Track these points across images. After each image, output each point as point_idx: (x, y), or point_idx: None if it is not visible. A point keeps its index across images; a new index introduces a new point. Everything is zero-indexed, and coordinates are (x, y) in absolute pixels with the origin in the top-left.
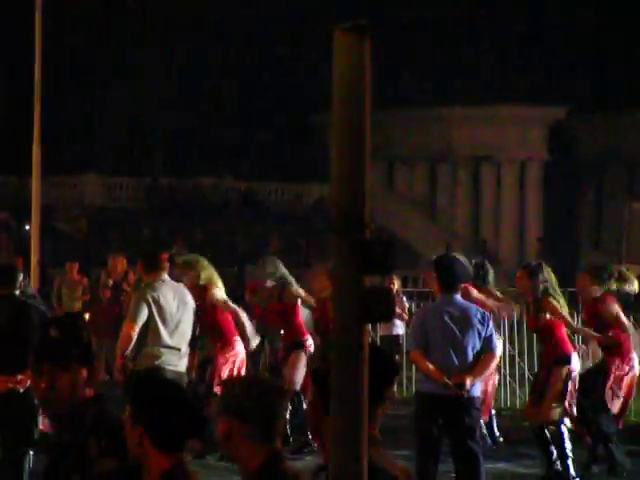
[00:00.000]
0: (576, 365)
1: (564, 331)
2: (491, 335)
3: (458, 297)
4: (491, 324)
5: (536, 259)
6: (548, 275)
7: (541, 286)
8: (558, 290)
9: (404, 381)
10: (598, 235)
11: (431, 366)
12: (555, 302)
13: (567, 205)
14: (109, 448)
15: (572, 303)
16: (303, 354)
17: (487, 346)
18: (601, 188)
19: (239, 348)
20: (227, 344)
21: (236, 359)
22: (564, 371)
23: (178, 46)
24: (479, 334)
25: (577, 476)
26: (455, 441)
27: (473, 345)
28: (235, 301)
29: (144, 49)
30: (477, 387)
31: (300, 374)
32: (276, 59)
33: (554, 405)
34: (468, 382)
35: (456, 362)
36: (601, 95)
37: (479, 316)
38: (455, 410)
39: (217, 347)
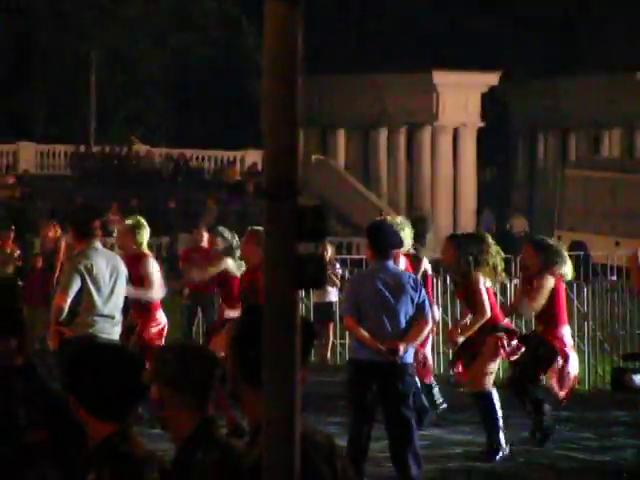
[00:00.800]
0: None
1: (493, 299)
2: (424, 301)
3: (391, 263)
4: (424, 290)
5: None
6: (485, 245)
7: (469, 258)
8: (496, 259)
9: (337, 348)
10: (531, 202)
11: (364, 333)
12: (480, 275)
13: (501, 171)
14: (38, 418)
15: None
16: None
17: (420, 312)
18: (534, 154)
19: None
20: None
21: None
22: (494, 340)
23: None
24: (412, 300)
25: (508, 443)
26: (388, 407)
27: (406, 311)
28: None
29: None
30: (410, 353)
31: None
32: (211, 27)
33: (485, 373)
34: (401, 348)
35: (389, 328)
36: (534, 61)
37: (412, 282)
38: (388, 376)
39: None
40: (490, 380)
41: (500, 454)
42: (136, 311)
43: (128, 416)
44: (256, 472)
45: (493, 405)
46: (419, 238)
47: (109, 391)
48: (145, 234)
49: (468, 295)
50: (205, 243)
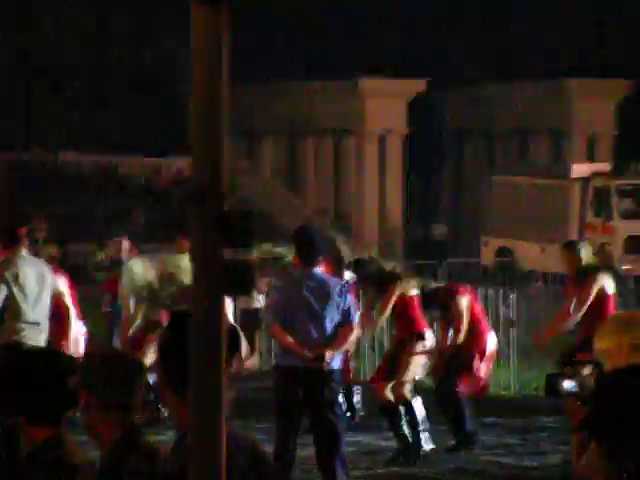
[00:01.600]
0: (430, 341)
1: (417, 310)
2: (349, 307)
3: (317, 270)
4: (349, 297)
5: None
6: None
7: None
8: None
9: (264, 354)
10: (459, 208)
11: (290, 339)
12: (394, 287)
13: (428, 178)
14: None
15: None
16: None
17: (346, 318)
18: (461, 160)
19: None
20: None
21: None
22: (418, 347)
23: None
24: (338, 306)
25: (430, 446)
26: (315, 414)
27: (332, 317)
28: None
29: None
30: (337, 360)
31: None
32: (135, 31)
33: (406, 381)
34: (327, 355)
35: (315, 335)
36: (461, 68)
37: (338, 289)
38: (315, 383)
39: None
40: (410, 388)
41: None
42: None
43: (61, 421)
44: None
45: (413, 413)
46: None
47: (41, 396)
48: None
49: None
50: (125, 252)
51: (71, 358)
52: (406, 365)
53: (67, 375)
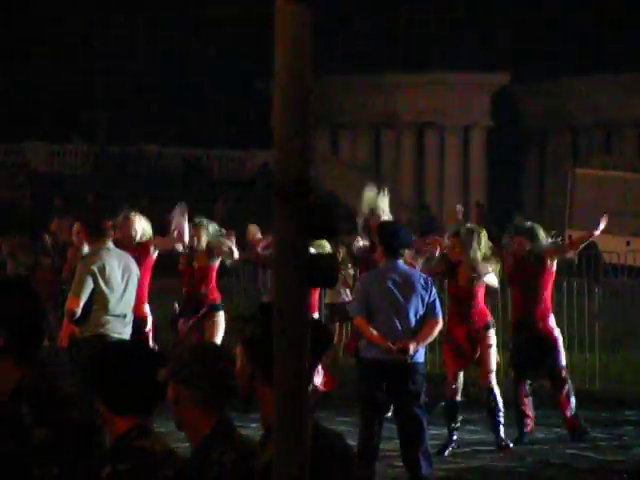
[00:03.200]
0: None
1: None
2: (434, 300)
3: (401, 262)
4: (434, 289)
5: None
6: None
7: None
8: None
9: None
10: (542, 201)
11: (374, 332)
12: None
13: (511, 171)
14: (41, 416)
15: None
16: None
17: (431, 311)
18: (544, 154)
19: None
20: None
21: None
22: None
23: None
24: (422, 299)
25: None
26: (399, 406)
27: (416, 310)
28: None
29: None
30: (421, 352)
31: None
32: (219, 22)
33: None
34: (411, 347)
35: (399, 328)
36: (544, 61)
37: (422, 281)
38: (399, 375)
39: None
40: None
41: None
42: None
43: (149, 411)
44: (269, 472)
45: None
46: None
47: (126, 386)
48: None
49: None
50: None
51: (157, 350)
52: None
53: (153, 366)
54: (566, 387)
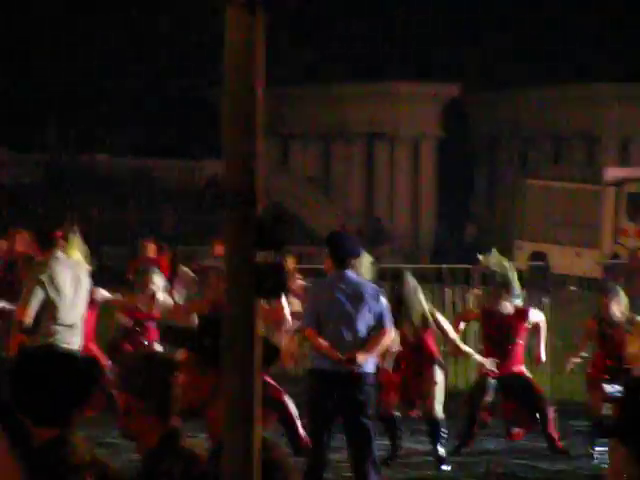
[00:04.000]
0: None
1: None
2: (383, 311)
3: (350, 272)
4: (383, 300)
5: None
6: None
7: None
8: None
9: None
10: (492, 212)
11: (324, 342)
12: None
13: (462, 182)
14: None
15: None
16: None
17: (380, 322)
18: (495, 165)
19: None
20: None
21: None
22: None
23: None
24: (371, 310)
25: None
26: (348, 416)
27: (366, 321)
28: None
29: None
30: (370, 363)
31: None
32: (169, 33)
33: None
34: (360, 358)
35: (348, 338)
36: (495, 72)
37: (371, 292)
38: (348, 386)
39: None
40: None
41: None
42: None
43: (68, 422)
44: None
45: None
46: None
47: (44, 397)
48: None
49: None
50: (151, 253)
51: (87, 358)
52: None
53: (77, 375)
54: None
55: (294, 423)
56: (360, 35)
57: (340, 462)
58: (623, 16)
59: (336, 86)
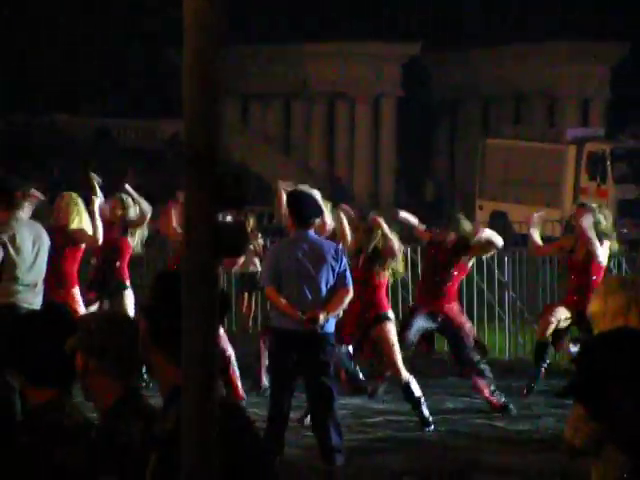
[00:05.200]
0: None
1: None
2: (345, 270)
3: (311, 232)
4: (345, 259)
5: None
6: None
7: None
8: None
9: (259, 317)
10: (453, 171)
11: (285, 302)
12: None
13: (422, 142)
14: None
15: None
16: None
17: (341, 282)
18: (455, 124)
19: None
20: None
21: None
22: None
23: None
24: (333, 270)
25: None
26: (309, 376)
27: (327, 281)
28: None
29: None
30: (331, 323)
31: None
32: None
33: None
34: (321, 317)
35: (310, 298)
36: (455, 31)
37: (332, 252)
38: (309, 346)
39: None
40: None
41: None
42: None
43: (66, 383)
44: (173, 437)
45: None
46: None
47: (40, 357)
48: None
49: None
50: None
51: (74, 318)
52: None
53: (66, 338)
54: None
55: (233, 382)
56: None
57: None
58: None
59: (296, 45)
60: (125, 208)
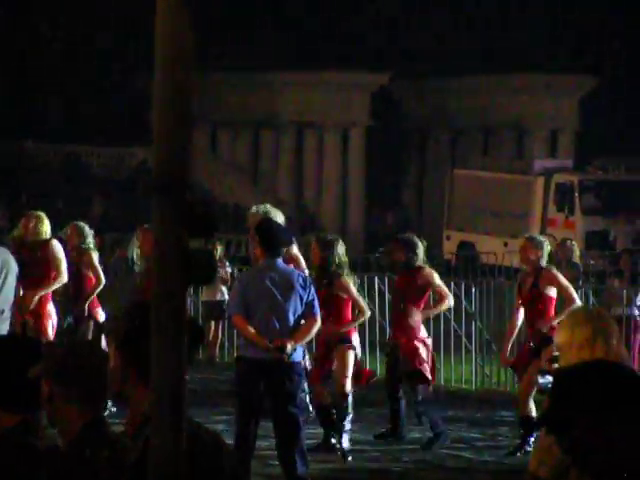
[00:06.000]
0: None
1: (349, 311)
2: (313, 299)
3: (280, 261)
4: (312, 289)
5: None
6: (341, 249)
7: (336, 260)
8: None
9: (226, 346)
10: (421, 201)
11: (252, 330)
12: (347, 280)
13: (391, 171)
14: None
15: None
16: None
17: (309, 311)
18: (424, 154)
19: None
20: None
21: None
22: (347, 351)
23: None
24: (301, 298)
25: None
26: (276, 405)
27: (295, 309)
28: None
29: None
30: (299, 352)
31: None
32: (101, 18)
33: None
34: (289, 346)
35: (277, 326)
36: (426, 61)
37: (301, 281)
38: (276, 374)
39: None
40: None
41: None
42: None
43: (34, 407)
44: (140, 465)
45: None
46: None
47: (8, 383)
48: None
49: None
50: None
51: (38, 345)
52: (341, 368)
53: (32, 363)
54: None
55: None
56: (290, 23)
57: (267, 450)
58: (557, 7)
59: (266, 74)
60: (82, 236)
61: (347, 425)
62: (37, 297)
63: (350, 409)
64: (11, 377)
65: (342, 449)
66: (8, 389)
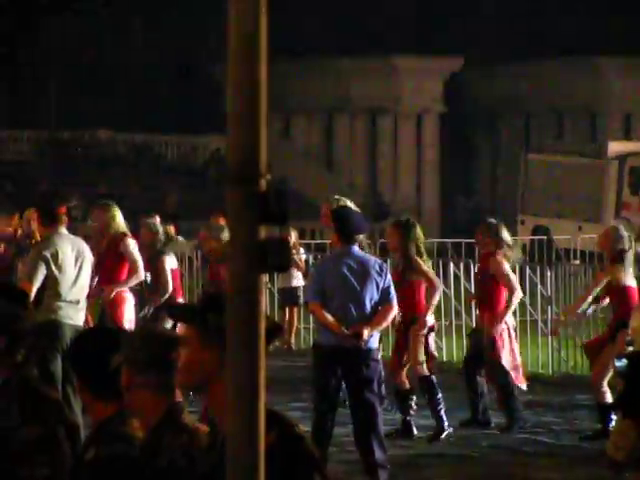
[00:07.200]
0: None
1: (423, 293)
2: (389, 286)
3: (356, 248)
4: (389, 275)
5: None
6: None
7: (415, 243)
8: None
9: (302, 333)
10: (494, 187)
11: (329, 317)
12: (422, 263)
13: (464, 157)
14: (32, 415)
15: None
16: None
17: (385, 297)
18: (497, 139)
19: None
20: None
21: None
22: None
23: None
24: (377, 285)
25: (450, 425)
26: (352, 392)
27: (371, 296)
28: None
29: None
30: (375, 338)
31: None
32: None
33: (420, 361)
34: (365, 333)
35: (354, 313)
36: (497, 46)
37: (377, 267)
38: (353, 361)
39: None
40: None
41: (443, 435)
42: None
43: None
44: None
45: (433, 387)
46: None
47: (108, 372)
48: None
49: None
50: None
51: (118, 335)
52: (416, 348)
53: (116, 351)
54: None
55: None
56: (364, 9)
57: (344, 437)
58: None
59: (339, 61)
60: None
61: (440, 405)
62: (114, 292)
63: (437, 389)
64: (107, 367)
65: (441, 427)
66: (106, 379)
